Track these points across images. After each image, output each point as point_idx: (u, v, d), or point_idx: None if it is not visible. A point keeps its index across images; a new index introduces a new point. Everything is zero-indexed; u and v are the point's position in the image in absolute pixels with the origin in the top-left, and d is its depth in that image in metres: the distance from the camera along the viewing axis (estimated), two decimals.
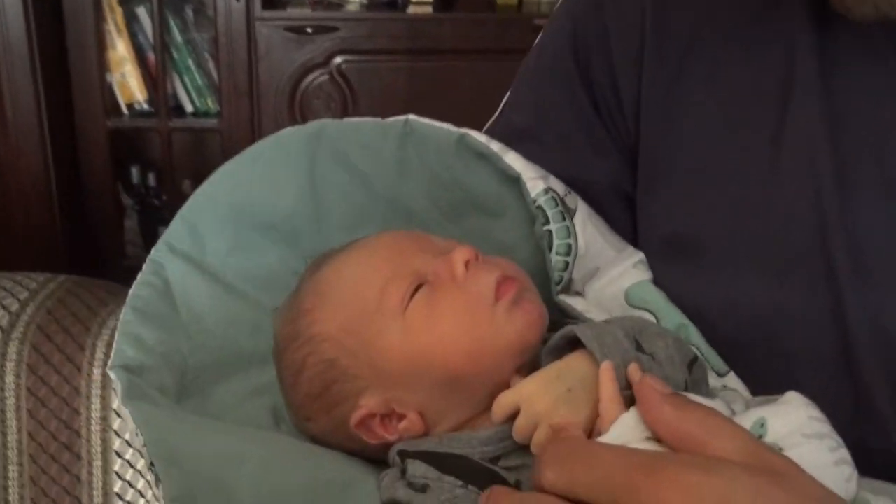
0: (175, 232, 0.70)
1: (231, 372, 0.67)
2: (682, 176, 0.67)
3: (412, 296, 0.59)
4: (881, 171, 0.59)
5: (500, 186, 0.70)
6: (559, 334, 0.58)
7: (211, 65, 2.39)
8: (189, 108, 2.42)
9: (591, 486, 0.43)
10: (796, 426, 0.51)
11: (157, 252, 0.70)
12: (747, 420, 0.51)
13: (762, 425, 0.52)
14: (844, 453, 0.51)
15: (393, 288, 0.60)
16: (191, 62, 2.39)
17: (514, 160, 0.69)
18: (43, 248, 2.28)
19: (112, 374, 0.60)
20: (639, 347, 0.56)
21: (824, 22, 0.60)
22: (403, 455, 0.57)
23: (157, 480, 0.57)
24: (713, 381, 0.62)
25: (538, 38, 0.79)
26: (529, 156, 0.71)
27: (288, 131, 0.72)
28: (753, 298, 0.62)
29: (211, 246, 0.71)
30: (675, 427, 0.46)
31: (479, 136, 0.70)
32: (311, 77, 2.35)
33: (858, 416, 0.58)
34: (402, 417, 0.60)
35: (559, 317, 0.65)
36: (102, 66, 2.32)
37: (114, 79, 2.37)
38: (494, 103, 0.80)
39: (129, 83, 2.38)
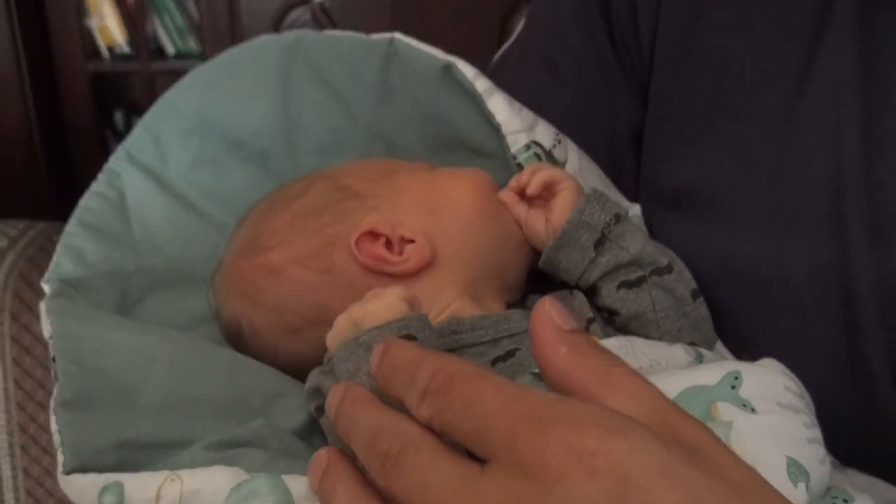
0: (136, 140, 0.67)
1: (180, 295, 0.64)
2: (694, 117, 0.64)
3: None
4: None
5: (487, 128, 0.66)
6: None
7: (191, 4, 2.38)
8: (171, 50, 2.41)
9: (469, 436, 0.36)
10: (772, 392, 0.47)
11: (115, 161, 0.66)
12: (718, 370, 0.47)
13: (736, 377, 0.47)
14: (817, 433, 0.46)
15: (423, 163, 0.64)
16: (170, 2, 2.37)
17: (498, 105, 0.65)
18: (27, 194, 2.28)
19: (45, 287, 0.57)
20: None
21: None
22: None
23: (56, 379, 0.53)
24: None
25: None
26: (545, 88, 0.68)
27: (263, 39, 0.68)
28: (754, 257, 0.58)
29: (174, 158, 0.67)
30: (566, 374, 0.38)
31: (466, 69, 0.65)
32: (293, 15, 2.33)
33: (857, 405, 0.55)
34: (410, 242, 0.58)
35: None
36: (80, 9, 2.31)
37: (93, 22, 2.35)
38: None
39: (108, 26, 2.36)
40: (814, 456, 0.45)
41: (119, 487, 0.49)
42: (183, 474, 0.48)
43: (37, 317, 1.24)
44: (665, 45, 0.64)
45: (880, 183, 0.55)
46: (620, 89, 0.68)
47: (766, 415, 0.45)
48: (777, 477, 0.43)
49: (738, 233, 0.58)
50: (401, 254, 0.57)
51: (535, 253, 0.61)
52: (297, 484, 0.47)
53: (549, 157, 0.64)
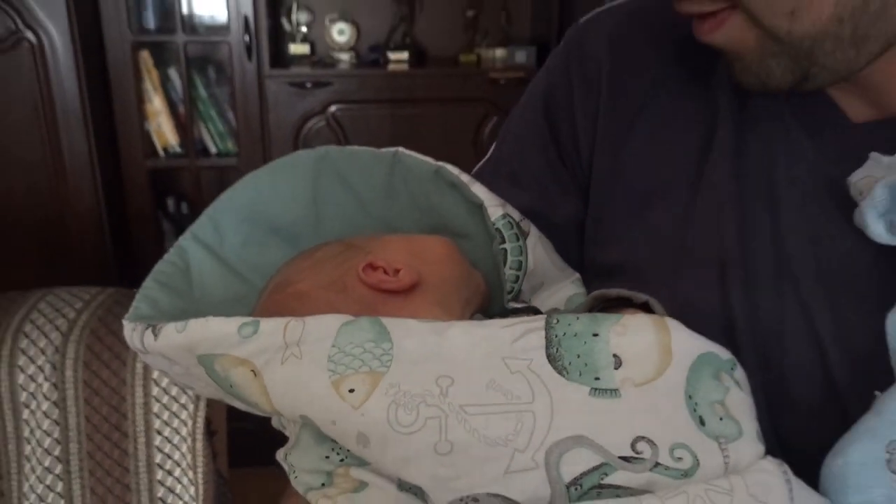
0: (201, 225, 0.73)
1: None
2: (620, 215, 0.71)
3: None
4: (772, 222, 0.61)
5: (467, 213, 0.73)
6: (600, 292, 0.65)
7: (230, 114, 2.46)
8: (213, 149, 2.51)
9: None
10: (748, 384, 0.57)
11: (184, 240, 0.72)
12: (726, 352, 0.57)
13: (735, 363, 0.56)
14: None
15: None
16: (213, 112, 2.47)
17: (479, 190, 0.71)
18: (97, 267, 2.37)
19: (125, 322, 0.62)
20: None
21: (744, 92, 0.63)
22: None
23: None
24: None
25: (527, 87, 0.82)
26: (510, 194, 0.74)
27: (301, 152, 0.76)
28: (666, 309, 0.62)
29: (229, 239, 0.73)
30: None
31: (453, 169, 0.73)
32: (311, 123, 2.42)
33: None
34: (399, 271, 0.65)
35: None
36: (142, 117, 2.39)
37: (151, 127, 2.44)
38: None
39: (164, 131, 2.45)
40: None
41: (256, 322, 0.56)
42: (306, 318, 0.56)
43: (105, 364, 1.33)
44: (599, 162, 0.72)
45: (751, 252, 0.62)
46: (568, 193, 0.75)
47: (747, 395, 0.55)
48: (751, 436, 0.53)
49: (654, 294, 0.63)
50: (397, 275, 0.65)
51: (488, 294, 0.71)
52: (393, 323, 0.55)
53: (518, 227, 0.71)
